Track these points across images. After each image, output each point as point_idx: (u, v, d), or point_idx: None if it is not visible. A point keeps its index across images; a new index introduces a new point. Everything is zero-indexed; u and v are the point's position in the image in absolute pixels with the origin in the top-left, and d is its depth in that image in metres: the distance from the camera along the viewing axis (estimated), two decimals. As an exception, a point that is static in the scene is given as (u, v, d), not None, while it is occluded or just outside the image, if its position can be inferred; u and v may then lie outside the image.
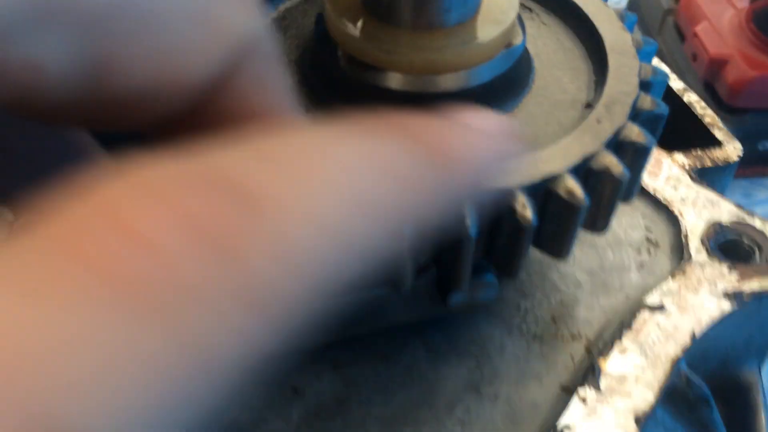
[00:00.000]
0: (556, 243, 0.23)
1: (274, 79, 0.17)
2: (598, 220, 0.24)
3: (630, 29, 0.27)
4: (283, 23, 0.28)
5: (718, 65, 0.75)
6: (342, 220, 0.12)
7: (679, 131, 0.37)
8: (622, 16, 0.27)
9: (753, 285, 0.29)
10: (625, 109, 0.24)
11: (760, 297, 0.29)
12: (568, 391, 0.27)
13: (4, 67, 0.13)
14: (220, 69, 0.15)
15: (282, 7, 0.27)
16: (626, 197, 0.25)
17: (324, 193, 0.12)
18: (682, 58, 0.80)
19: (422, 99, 0.23)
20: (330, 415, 0.26)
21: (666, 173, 0.34)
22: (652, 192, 0.33)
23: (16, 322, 0.09)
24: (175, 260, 0.10)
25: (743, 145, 0.77)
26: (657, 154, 0.35)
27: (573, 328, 0.29)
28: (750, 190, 0.78)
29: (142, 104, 0.15)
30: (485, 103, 0.24)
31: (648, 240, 0.32)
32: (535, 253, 0.31)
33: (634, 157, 0.24)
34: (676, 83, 0.39)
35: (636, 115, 0.24)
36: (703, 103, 0.37)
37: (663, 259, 0.31)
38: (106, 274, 0.10)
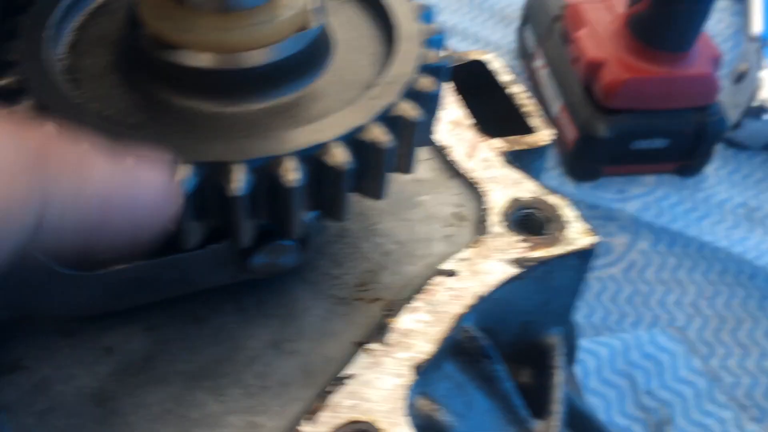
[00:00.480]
0: (334, 206, 0.26)
1: None
2: (373, 188, 0.27)
3: (428, 21, 0.30)
4: (111, 6, 0.30)
5: (594, 68, 0.80)
6: None
7: (504, 120, 0.40)
8: (418, 9, 0.30)
9: (539, 253, 0.33)
10: (397, 88, 0.27)
11: (545, 263, 0.33)
12: (360, 347, 0.29)
13: None
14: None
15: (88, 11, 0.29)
16: (403, 168, 0.28)
17: None
18: (565, 61, 0.85)
19: (217, 76, 0.26)
20: (136, 371, 0.28)
21: (482, 156, 0.37)
22: (464, 173, 0.36)
23: None
24: None
25: (619, 145, 0.83)
26: (476, 139, 0.38)
27: (375, 293, 0.32)
28: (624, 186, 0.83)
29: None
30: (279, 80, 0.27)
31: (456, 215, 0.35)
32: (355, 223, 0.34)
33: (405, 131, 0.27)
34: (504, 77, 0.42)
35: (414, 94, 0.27)
36: (524, 95, 0.41)
37: (467, 231, 0.34)
38: None
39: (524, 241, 0.34)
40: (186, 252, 0.27)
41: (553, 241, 0.34)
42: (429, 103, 0.27)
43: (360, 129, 0.25)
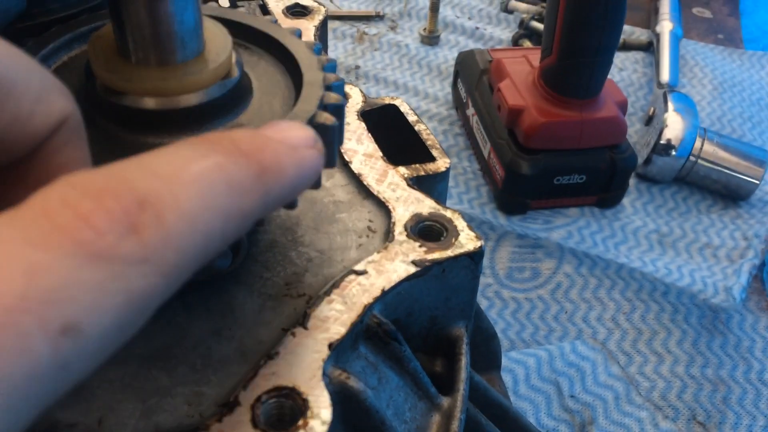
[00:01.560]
0: None
1: (80, 138, 0.26)
2: None
3: (331, 71, 0.38)
4: (71, 64, 0.37)
5: (515, 114, 0.90)
6: (202, 216, 0.20)
7: (411, 153, 0.48)
8: (323, 61, 0.38)
9: (434, 255, 0.40)
10: (314, 101, 0.34)
11: (440, 263, 0.40)
12: (287, 332, 0.36)
13: None
14: (48, 129, 0.24)
15: (66, 57, 0.37)
16: (327, 164, 0.35)
17: (191, 199, 0.19)
18: (492, 108, 0.95)
19: (158, 115, 0.33)
20: (101, 356, 0.35)
21: (389, 180, 0.45)
22: (376, 194, 0.44)
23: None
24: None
25: (542, 181, 0.92)
26: (385, 167, 0.46)
27: (300, 290, 0.39)
28: (550, 218, 0.92)
29: None
30: (210, 116, 0.34)
31: (369, 228, 0.43)
32: (283, 237, 0.41)
33: (327, 134, 0.33)
34: (411, 117, 0.50)
35: (316, 125, 0.34)
36: (427, 131, 0.49)
37: (377, 241, 0.42)
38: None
39: (423, 246, 0.41)
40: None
41: (448, 246, 0.41)
42: (328, 133, 0.34)
43: None
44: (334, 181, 0.45)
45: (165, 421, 0.32)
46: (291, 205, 0.32)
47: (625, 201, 0.97)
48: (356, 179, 0.45)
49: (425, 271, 0.40)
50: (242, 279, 0.39)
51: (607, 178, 0.92)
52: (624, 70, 1.22)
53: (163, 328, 0.36)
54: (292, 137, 0.25)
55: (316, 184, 0.33)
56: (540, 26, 1.23)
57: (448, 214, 0.43)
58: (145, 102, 0.33)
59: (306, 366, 0.34)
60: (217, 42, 0.35)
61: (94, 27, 0.38)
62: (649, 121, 1.04)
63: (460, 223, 0.43)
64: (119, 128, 0.33)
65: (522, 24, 1.24)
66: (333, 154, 0.35)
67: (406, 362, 0.40)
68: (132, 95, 0.33)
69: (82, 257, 0.17)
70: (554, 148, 0.89)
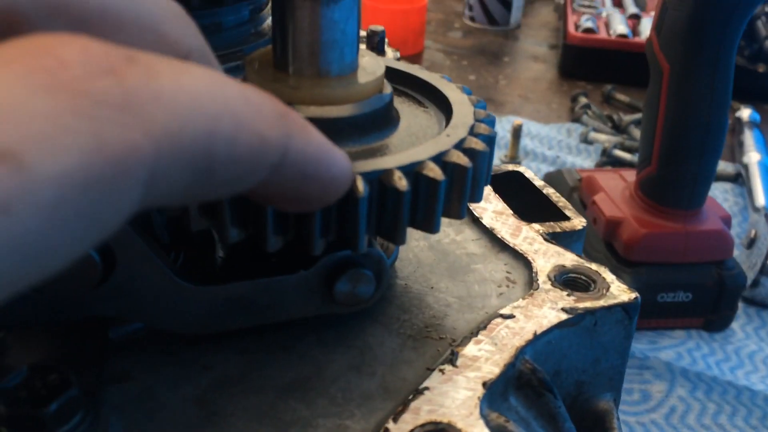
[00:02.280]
0: (427, 219, 0.31)
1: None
2: (454, 206, 0.31)
3: (480, 107, 0.37)
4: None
5: (614, 226, 0.87)
6: (205, 99, 0.17)
7: (539, 214, 0.46)
8: (474, 100, 0.37)
9: (586, 304, 0.37)
10: (465, 129, 0.33)
11: (593, 312, 0.36)
12: (433, 371, 0.32)
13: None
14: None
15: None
16: (474, 197, 0.33)
17: (195, 81, 0.18)
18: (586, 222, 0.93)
19: (318, 123, 0.32)
20: (233, 384, 0.31)
21: (524, 235, 0.42)
22: (512, 246, 0.41)
23: None
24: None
25: (645, 297, 0.86)
26: (518, 223, 0.43)
27: (441, 333, 0.35)
28: (655, 338, 0.86)
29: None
30: (364, 130, 0.33)
31: (507, 278, 0.39)
32: (416, 283, 0.38)
33: (476, 160, 0.32)
34: (537, 182, 0.49)
35: (464, 150, 0.33)
36: (557, 195, 0.47)
37: (518, 290, 0.38)
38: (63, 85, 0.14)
39: (571, 296, 0.37)
40: (280, 275, 0.32)
41: (599, 297, 0.38)
42: (478, 159, 0.32)
43: (445, 153, 0.31)
44: (465, 236, 0.43)
45: (306, 452, 0.28)
46: (395, 237, 0.30)
47: (735, 325, 0.90)
48: (489, 233, 0.43)
49: (578, 320, 0.36)
50: (379, 319, 0.36)
51: (715, 297, 0.86)
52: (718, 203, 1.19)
53: (298, 361, 0.33)
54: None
55: (432, 227, 0.31)
56: (623, 155, 1.23)
57: (594, 266, 0.40)
58: (301, 111, 0.32)
59: (461, 403, 0.30)
60: (370, 61, 0.35)
61: (227, 68, 0.38)
62: (750, 244, 0.99)
63: (609, 276, 0.39)
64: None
65: (605, 152, 1.24)
66: (481, 186, 0.34)
67: (561, 421, 0.35)
68: (296, 104, 0.32)
69: (35, 83, 0.14)
70: (657, 262, 0.85)
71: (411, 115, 0.37)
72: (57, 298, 0.29)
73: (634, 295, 0.38)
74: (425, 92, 0.38)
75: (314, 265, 0.32)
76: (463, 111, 0.34)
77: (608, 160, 1.23)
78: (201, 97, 0.17)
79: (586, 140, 1.32)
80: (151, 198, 0.16)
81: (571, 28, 1.65)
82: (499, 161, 1.25)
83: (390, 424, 0.29)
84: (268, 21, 0.49)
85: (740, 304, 0.93)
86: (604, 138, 1.31)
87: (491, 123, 0.35)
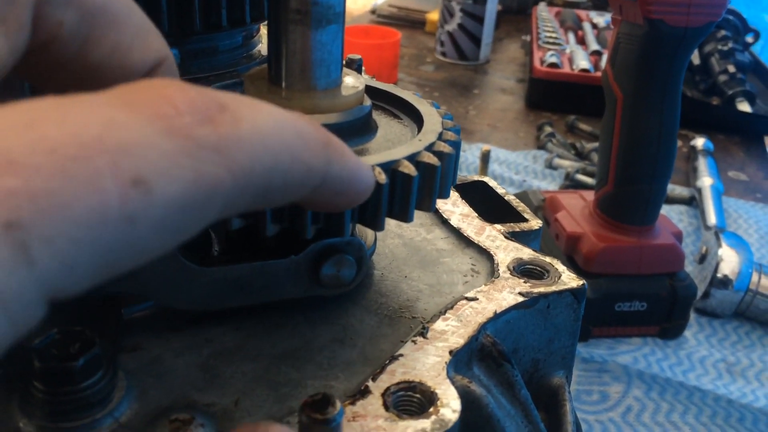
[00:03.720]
0: (402, 210, 0.36)
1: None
2: (425, 200, 0.36)
3: (448, 119, 0.42)
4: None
5: (574, 240, 0.93)
6: (272, 139, 0.21)
7: (500, 216, 0.51)
8: (442, 112, 0.43)
9: (540, 289, 0.42)
10: (435, 135, 0.38)
11: (546, 296, 0.42)
12: (406, 342, 0.37)
13: (38, 22, 0.23)
14: (146, 66, 0.26)
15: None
16: (442, 192, 0.38)
17: (266, 122, 0.21)
18: (549, 239, 0.99)
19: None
20: (231, 353, 0.36)
21: (487, 233, 0.48)
22: (477, 242, 0.47)
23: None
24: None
25: (604, 306, 0.92)
26: (482, 224, 0.49)
27: (413, 313, 0.40)
28: (613, 345, 0.91)
29: (97, 73, 0.25)
30: (350, 135, 0.38)
31: (472, 269, 0.45)
32: (392, 273, 0.43)
33: (444, 161, 0.37)
34: (499, 190, 0.54)
35: (434, 153, 0.38)
36: (517, 201, 0.53)
37: (482, 279, 0.44)
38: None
39: (527, 282, 0.43)
40: (273, 260, 0.37)
41: (552, 283, 0.43)
42: (446, 161, 0.38)
43: (418, 153, 0.36)
44: (435, 234, 0.48)
45: (298, 406, 0.32)
46: (375, 224, 0.35)
47: (687, 333, 0.96)
48: (456, 232, 0.48)
49: (533, 302, 0.41)
50: (359, 302, 0.41)
51: (669, 306, 0.92)
52: (670, 219, 1.26)
53: (288, 336, 0.37)
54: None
55: (406, 217, 0.36)
56: (585, 179, 1.30)
57: (548, 259, 0.45)
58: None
59: (430, 366, 0.35)
60: (352, 78, 0.40)
61: (221, 85, 0.43)
62: (702, 259, 1.06)
63: (560, 267, 0.45)
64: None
65: (568, 176, 1.31)
66: (448, 183, 0.39)
67: (518, 389, 0.40)
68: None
69: (159, 126, 0.18)
70: (614, 273, 0.91)
71: (388, 125, 0.42)
72: (81, 275, 0.33)
73: (582, 282, 0.43)
74: (400, 106, 0.44)
75: (303, 251, 0.37)
76: (432, 121, 0.40)
77: (571, 184, 1.30)
78: (268, 138, 0.21)
79: (550, 166, 1.39)
80: (219, 215, 0.21)
81: (537, 63, 1.74)
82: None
83: (369, 383, 0.33)
84: (259, 46, 0.55)
85: (692, 314, 0.99)
86: (568, 164, 1.38)
87: (457, 131, 0.41)
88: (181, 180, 0.18)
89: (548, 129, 1.54)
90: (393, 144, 0.39)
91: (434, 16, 2.22)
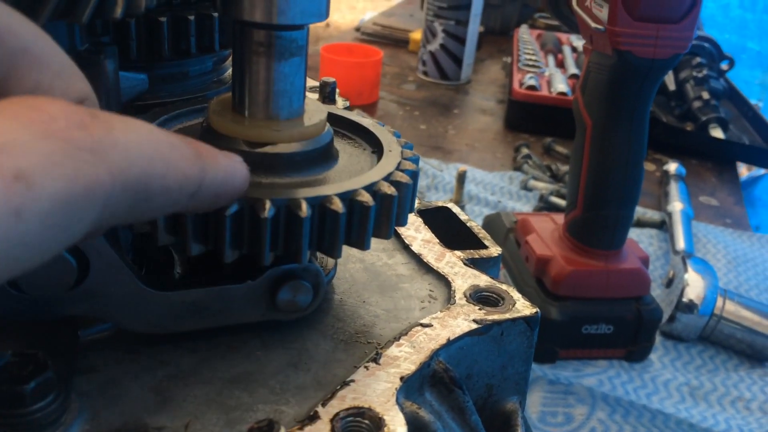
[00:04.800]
0: (359, 237, 0.37)
1: None
2: (383, 228, 0.37)
3: (407, 148, 0.44)
4: (188, 128, 0.43)
5: (543, 263, 0.94)
6: (146, 145, 0.24)
7: (462, 243, 0.52)
8: (401, 142, 0.44)
9: (494, 316, 0.43)
10: (393, 165, 0.39)
11: (500, 323, 0.43)
12: (359, 368, 0.38)
13: None
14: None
15: (180, 125, 0.43)
16: (399, 220, 0.39)
17: (138, 131, 0.24)
18: (519, 260, 1.00)
19: (271, 158, 0.38)
20: (186, 376, 0.36)
21: (447, 260, 0.49)
22: (436, 269, 0.48)
23: None
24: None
25: (571, 329, 0.93)
26: (442, 250, 0.50)
27: (369, 339, 0.41)
28: (579, 367, 0.92)
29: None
30: (306, 165, 0.39)
31: (430, 295, 0.46)
32: (350, 298, 0.44)
33: (401, 190, 0.38)
34: (462, 216, 0.55)
35: (391, 182, 0.39)
36: (479, 227, 0.54)
37: (438, 305, 0.45)
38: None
39: (482, 310, 0.44)
40: (231, 284, 0.37)
41: (506, 311, 0.44)
42: (403, 190, 0.39)
43: (377, 183, 0.37)
44: (396, 260, 0.49)
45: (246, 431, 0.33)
46: (332, 251, 0.36)
47: (653, 356, 0.98)
48: (416, 258, 0.49)
49: (486, 329, 0.42)
50: (315, 326, 0.41)
51: (634, 329, 0.94)
52: (640, 243, 1.28)
53: (243, 359, 0.38)
54: (224, 151, 0.30)
55: (363, 245, 0.36)
56: (558, 201, 1.32)
57: (504, 287, 0.46)
58: (255, 149, 0.38)
59: (380, 392, 0.36)
60: (314, 108, 0.41)
61: (190, 110, 0.44)
62: (669, 283, 1.08)
63: (515, 295, 0.46)
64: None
65: (542, 198, 1.33)
66: (405, 212, 0.40)
67: (468, 414, 0.41)
68: (246, 143, 0.38)
69: (35, 130, 0.20)
70: (581, 296, 0.92)
71: (349, 153, 0.43)
72: (37, 298, 0.34)
73: (535, 310, 0.44)
74: (362, 134, 0.45)
75: (260, 277, 0.38)
76: (392, 150, 0.41)
77: (545, 206, 1.32)
78: (142, 144, 0.24)
79: (525, 187, 1.41)
80: (104, 216, 0.22)
81: (516, 85, 1.77)
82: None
83: (319, 408, 0.34)
84: (229, 71, 0.56)
85: (658, 337, 1.01)
86: (542, 185, 1.40)
87: (415, 161, 0.42)
88: (61, 177, 0.20)
89: (525, 150, 1.57)
90: (353, 173, 0.40)
91: (417, 35, 2.24)
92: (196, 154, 0.27)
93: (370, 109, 1.85)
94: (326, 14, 0.39)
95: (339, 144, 0.44)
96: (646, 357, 0.97)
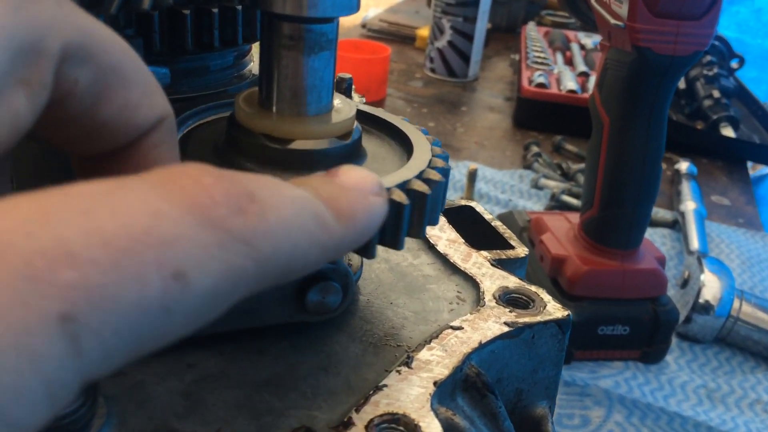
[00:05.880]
0: (394, 236, 0.35)
1: (174, 139, 0.29)
2: (415, 227, 0.36)
3: (437, 145, 0.42)
4: (208, 126, 0.42)
5: (558, 263, 0.93)
6: (294, 228, 0.22)
7: (486, 242, 0.51)
8: (430, 139, 0.43)
9: (525, 319, 0.42)
10: (424, 163, 0.38)
11: (531, 326, 0.42)
12: (390, 372, 0.37)
13: (56, 80, 0.24)
14: (150, 123, 0.27)
15: (202, 121, 0.42)
16: (432, 220, 0.38)
17: (288, 210, 0.22)
18: (533, 260, 0.99)
19: (299, 155, 0.37)
20: (214, 380, 0.35)
21: (474, 260, 0.48)
22: (463, 269, 0.47)
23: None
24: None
25: (586, 330, 0.92)
26: (469, 250, 0.49)
27: (398, 342, 0.40)
28: (595, 369, 0.91)
29: (105, 129, 0.26)
30: (330, 164, 0.38)
31: (458, 297, 0.45)
32: (377, 299, 0.43)
33: (434, 188, 0.37)
34: (486, 216, 0.54)
35: (424, 180, 0.38)
36: (504, 227, 0.53)
37: (467, 307, 0.44)
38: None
39: (513, 312, 0.43)
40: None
41: (537, 313, 0.43)
42: (435, 189, 0.38)
43: (409, 181, 0.36)
44: (421, 260, 0.48)
45: (280, 436, 0.32)
46: (367, 252, 0.35)
47: (669, 358, 0.97)
48: (442, 258, 0.48)
49: (518, 332, 0.41)
50: (344, 329, 0.40)
51: (651, 330, 0.93)
52: (653, 243, 1.27)
53: (271, 362, 0.37)
54: (362, 184, 0.28)
55: (397, 245, 0.36)
56: (570, 200, 1.31)
57: (534, 288, 0.45)
58: (283, 145, 0.37)
59: (414, 398, 0.35)
60: (343, 104, 0.40)
61: (212, 106, 0.43)
62: (684, 284, 1.07)
63: (546, 297, 0.45)
64: (257, 167, 0.37)
65: (553, 197, 1.32)
66: (437, 210, 0.39)
67: (501, 420, 0.40)
68: (272, 138, 0.37)
69: (198, 218, 0.19)
70: (597, 297, 0.91)
71: (376, 150, 0.42)
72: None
73: (567, 313, 0.43)
74: (388, 131, 0.44)
75: (289, 277, 0.37)
76: (421, 147, 0.40)
77: (556, 205, 1.31)
78: (291, 226, 0.22)
79: (536, 186, 1.40)
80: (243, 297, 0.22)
81: (525, 83, 1.75)
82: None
83: (353, 414, 0.33)
84: (250, 66, 0.55)
85: (674, 339, 1.00)
86: (554, 184, 1.39)
87: (446, 158, 0.41)
88: (214, 272, 0.19)
89: (535, 149, 1.55)
90: (382, 171, 0.39)
91: (424, 32, 2.23)
92: (338, 216, 0.25)
93: (377, 105, 1.83)
94: (357, 7, 0.38)
95: (366, 141, 0.43)
96: (662, 358, 0.95)
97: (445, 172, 0.39)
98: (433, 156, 0.39)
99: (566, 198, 1.31)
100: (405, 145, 0.42)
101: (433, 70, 2.08)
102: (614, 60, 0.89)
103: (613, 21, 0.87)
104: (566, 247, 0.94)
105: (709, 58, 1.94)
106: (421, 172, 0.37)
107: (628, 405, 0.86)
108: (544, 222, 1.01)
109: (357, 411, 0.33)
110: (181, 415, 0.33)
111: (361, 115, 0.44)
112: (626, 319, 0.91)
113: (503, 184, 1.40)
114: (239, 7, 0.47)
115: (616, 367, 0.92)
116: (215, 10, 0.46)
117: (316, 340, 0.39)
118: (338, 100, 0.41)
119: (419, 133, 0.42)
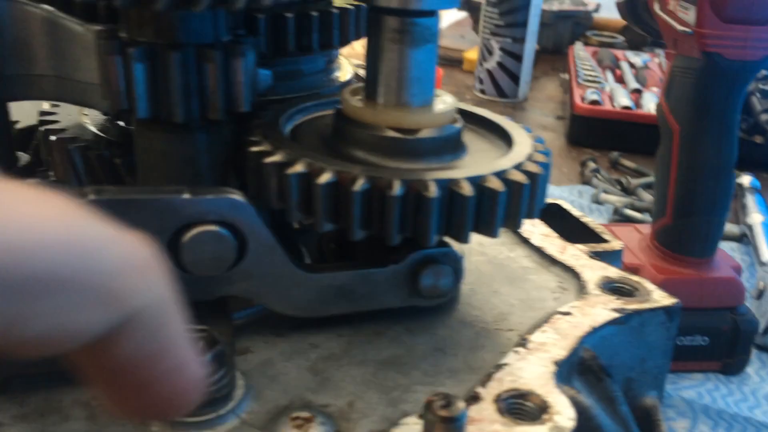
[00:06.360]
0: (488, 224, 0.36)
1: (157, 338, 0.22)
2: (512, 218, 0.37)
3: (539, 142, 0.43)
4: (317, 120, 0.44)
5: (632, 272, 0.92)
6: None
7: (578, 237, 0.52)
8: (531, 135, 0.43)
9: (633, 306, 0.42)
10: (524, 156, 0.38)
11: (640, 313, 0.41)
12: (507, 353, 0.37)
13: None
14: (105, 329, 0.20)
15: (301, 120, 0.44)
16: (531, 213, 0.38)
17: None
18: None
19: (404, 143, 0.38)
20: (338, 358, 0.36)
21: (570, 252, 0.48)
22: (561, 261, 0.47)
23: None
24: None
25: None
26: (563, 243, 0.49)
27: (509, 326, 0.40)
28: (675, 380, 0.89)
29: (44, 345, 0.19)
30: (437, 152, 0.39)
31: (560, 286, 0.45)
32: (481, 288, 0.44)
33: (532, 179, 0.37)
34: (575, 212, 0.55)
35: (530, 159, 0.39)
36: (595, 222, 0.53)
37: (571, 295, 0.44)
38: None
39: (619, 299, 0.43)
40: (375, 268, 0.37)
41: (644, 301, 0.43)
42: (536, 178, 0.38)
43: (506, 170, 0.36)
44: (517, 253, 0.49)
45: (412, 410, 0.33)
46: (460, 237, 0.35)
47: (749, 370, 0.94)
48: (538, 251, 0.48)
49: (626, 319, 0.41)
50: (454, 315, 0.41)
51: (730, 341, 0.90)
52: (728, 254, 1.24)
53: (390, 343, 0.38)
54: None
55: (492, 232, 0.35)
56: (634, 214, 1.29)
57: (636, 278, 0.45)
58: (389, 133, 0.38)
59: (537, 375, 0.35)
60: (445, 97, 0.41)
61: (311, 105, 0.45)
62: (759, 295, 1.04)
63: (650, 285, 0.45)
64: (363, 152, 0.38)
65: (616, 211, 1.31)
66: (537, 203, 0.39)
67: (618, 404, 0.39)
68: (379, 128, 0.38)
69: None
70: (674, 306, 0.89)
71: (478, 145, 0.43)
72: (200, 278, 0.34)
73: (675, 300, 0.43)
74: (491, 128, 0.44)
75: (403, 261, 0.38)
76: (522, 142, 0.41)
77: (620, 218, 1.29)
78: None
79: (597, 201, 1.39)
80: None
81: (578, 100, 1.75)
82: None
83: (480, 389, 0.34)
84: (337, 72, 0.57)
85: (754, 352, 0.97)
86: (615, 199, 1.38)
87: (547, 154, 0.41)
88: None
89: (592, 165, 1.54)
90: (483, 162, 0.40)
91: (471, 54, 2.25)
92: None
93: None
94: (458, 2, 0.40)
95: (469, 138, 0.44)
96: (743, 369, 0.93)
97: (546, 166, 0.40)
98: (534, 151, 0.40)
99: (629, 212, 1.30)
100: (508, 142, 0.42)
101: (483, 92, 2.09)
102: (681, 67, 0.89)
103: (680, 28, 0.86)
104: (639, 257, 0.93)
105: (764, 72, 1.91)
106: (520, 164, 0.37)
107: (713, 416, 0.83)
108: (613, 233, 1.00)
109: (483, 386, 0.34)
110: (313, 389, 0.34)
111: (464, 112, 0.45)
112: (705, 329, 0.89)
113: (564, 200, 1.39)
114: (335, 11, 0.49)
115: (697, 378, 0.90)
116: (315, 14, 0.48)
117: (429, 324, 0.40)
118: (440, 95, 0.42)
119: (521, 130, 0.43)
